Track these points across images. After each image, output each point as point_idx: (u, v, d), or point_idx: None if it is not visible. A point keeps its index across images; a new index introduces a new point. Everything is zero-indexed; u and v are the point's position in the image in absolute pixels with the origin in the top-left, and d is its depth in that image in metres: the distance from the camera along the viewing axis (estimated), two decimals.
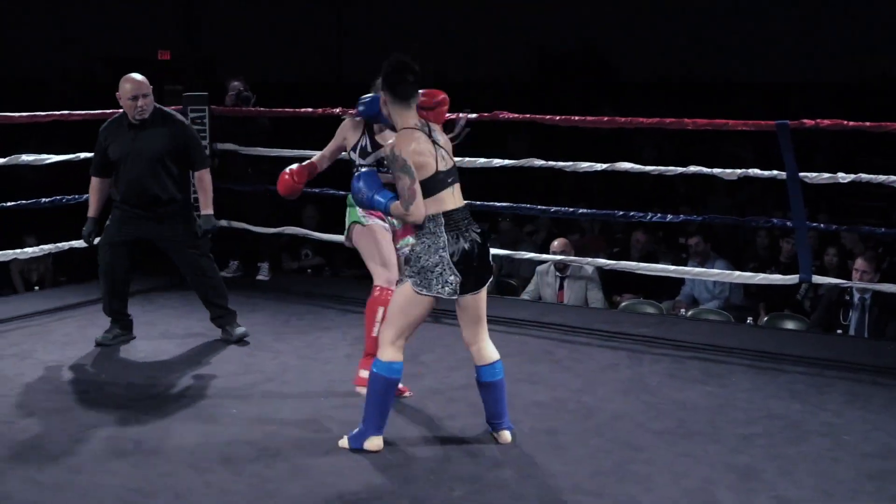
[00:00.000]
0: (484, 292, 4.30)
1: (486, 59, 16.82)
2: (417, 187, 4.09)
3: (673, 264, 7.29)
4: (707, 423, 4.72)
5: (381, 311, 4.85)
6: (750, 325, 7.19)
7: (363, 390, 4.60)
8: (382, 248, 4.94)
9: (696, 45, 15.30)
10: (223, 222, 7.79)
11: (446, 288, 4.13)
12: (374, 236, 4.96)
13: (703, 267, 7.56)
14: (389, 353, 4.18)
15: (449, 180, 4.19)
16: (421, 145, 4.12)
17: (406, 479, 4.07)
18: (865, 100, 14.22)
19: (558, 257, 7.30)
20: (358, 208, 5.00)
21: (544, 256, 7.30)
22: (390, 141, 4.21)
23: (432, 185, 4.14)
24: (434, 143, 4.18)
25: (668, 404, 4.95)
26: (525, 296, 7.87)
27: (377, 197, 4.23)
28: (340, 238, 7.31)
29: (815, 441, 4.52)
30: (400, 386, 4.95)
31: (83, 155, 6.91)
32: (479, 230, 4.24)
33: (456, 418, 4.69)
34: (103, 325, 6.04)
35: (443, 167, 4.17)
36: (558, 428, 4.63)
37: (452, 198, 4.19)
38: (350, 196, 4.83)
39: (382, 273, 4.92)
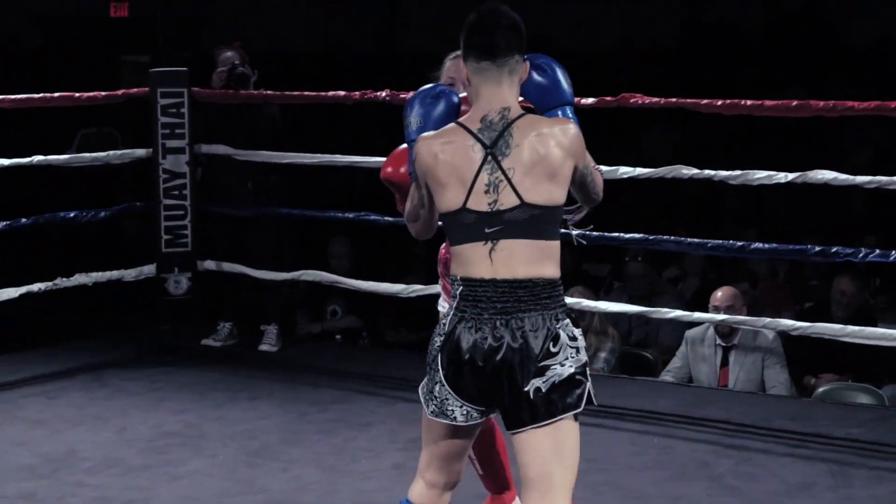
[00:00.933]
0: (542, 437, 3.68)
1: (608, 20, 16.63)
2: (424, 213, 3.85)
3: None
4: None
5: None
6: None
7: None
8: None
9: None
10: (209, 263, 7.85)
11: (431, 404, 3.79)
12: None
13: None
14: (415, 487, 3.98)
15: (489, 230, 3.66)
16: (445, 153, 3.71)
17: None
18: None
19: (721, 317, 7.22)
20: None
21: (698, 315, 7.22)
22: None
23: (452, 229, 3.74)
24: (490, 157, 3.67)
25: None
26: (667, 375, 7.80)
27: (411, 151, 3.92)
28: (386, 287, 7.43)
29: None
30: None
31: None
32: (532, 326, 3.64)
33: None
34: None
35: (479, 205, 3.66)
36: None
37: (488, 261, 3.67)
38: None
39: None
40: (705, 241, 7.01)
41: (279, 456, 5.95)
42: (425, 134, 3.78)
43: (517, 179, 3.62)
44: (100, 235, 9.66)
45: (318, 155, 7.58)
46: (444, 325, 3.71)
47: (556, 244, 3.68)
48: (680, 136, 13.76)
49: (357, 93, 7.28)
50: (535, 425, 3.62)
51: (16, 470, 5.72)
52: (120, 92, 7.96)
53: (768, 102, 6.52)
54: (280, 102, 7.90)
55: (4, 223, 7.10)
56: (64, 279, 7.37)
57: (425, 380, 3.77)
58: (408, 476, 5.52)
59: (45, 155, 7.26)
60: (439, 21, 17.71)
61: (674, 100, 6.63)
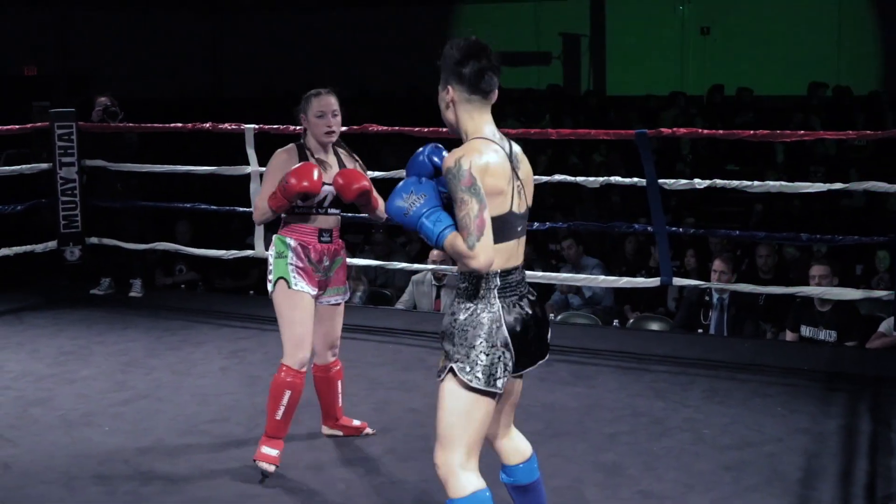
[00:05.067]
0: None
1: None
2: (487, 217, 2.84)
3: (542, 271, 7.35)
4: (575, 423, 4.83)
5: (286, 394, 4.17)
6: (616, 328, 7.32)
7: (262, 465, 4.17)
8: (300, 322, 4.20)
9: None
10: (93, 239, 7.66)
11: (502, 380, 2.97)
12: (296, 305, 4.20)
13: (576, 267, 7.66)
14: (465, 480, 2.97)
15: (519, 228, 3.00)
16: (497, 164, 2.88)
17: (285, 486, 4.08)
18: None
19: (434, 267, 7.28)
20: (289, 261, 4.21)
21: (418, 266, 7.30)
22: (454, 151, 2.91)
23: (500, 230, 2.91)
24: (514, 169, 2.97)
25: (537, 406, 5.02)
26: (400, 305, 7.88)
27: (426, 221, 2.90)
28: (214, 252, 7.36)
29: (677, 436, 4.68)
30: (358, 423, 4.64)
31: None
32: (534, 294, 3.11)
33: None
34: None
35: (517, 208, 2.96)
36: (431, 434, 4.65)
37: (517, 254, 3.01)
38: (277, 241, 4.22)
39: (292, 352, 4.20)
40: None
41: (143, 365, 5.86)
42: (476, 154, 2.85)
43: (527, 187, 3.04)
44: (18, 222, 9.30)
45: (166, 165, 7.46)
46: (496, 316, 2.94)
47: None
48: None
49: (190, 124, 7.17)
50: (543, 360, 3.14)
51: None
52: (30, 126, 7.74)
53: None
54: (138, 131, 7.69)
55: None
56: None
57: (486, 366, 2.94)
58: (230, 376, 5.59)
59: None
60: (253, 71, 17.60)
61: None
